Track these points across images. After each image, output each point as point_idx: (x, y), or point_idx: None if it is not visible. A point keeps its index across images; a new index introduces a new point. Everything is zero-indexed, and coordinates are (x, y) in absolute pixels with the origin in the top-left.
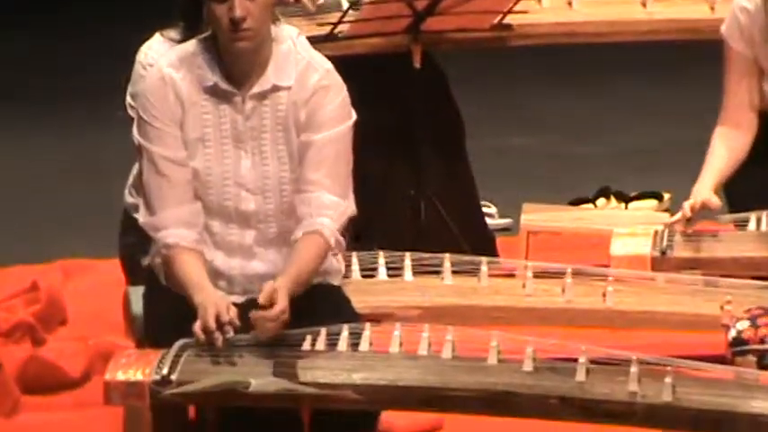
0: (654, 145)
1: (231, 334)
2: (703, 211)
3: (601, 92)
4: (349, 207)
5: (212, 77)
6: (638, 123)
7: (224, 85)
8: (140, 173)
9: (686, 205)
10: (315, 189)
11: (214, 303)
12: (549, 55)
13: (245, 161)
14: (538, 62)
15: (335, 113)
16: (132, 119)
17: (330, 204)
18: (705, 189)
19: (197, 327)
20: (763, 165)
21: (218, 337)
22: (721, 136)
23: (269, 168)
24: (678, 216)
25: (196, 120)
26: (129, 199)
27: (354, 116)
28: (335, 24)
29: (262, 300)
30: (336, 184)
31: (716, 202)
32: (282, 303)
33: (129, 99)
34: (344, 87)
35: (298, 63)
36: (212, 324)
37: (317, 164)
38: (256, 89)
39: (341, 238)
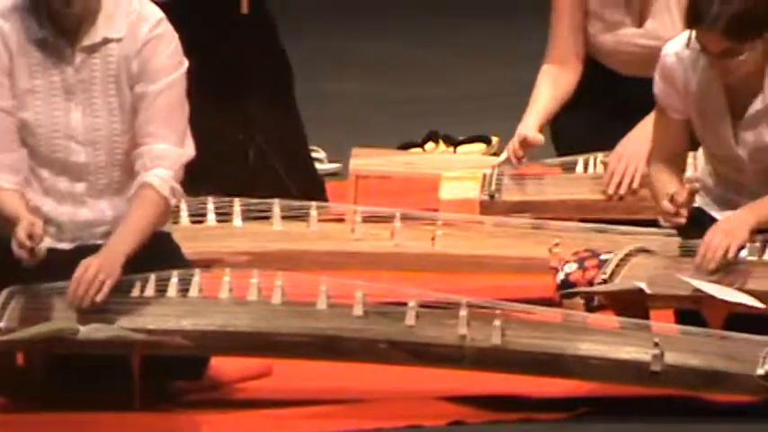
0: (483, 89)
1: (43, 248)
2: (529, 148)
3: (429, 37)
4: (184, 154)
5: (41, 30)
6: (466, 67)
7: (53, 38)
8: None
9: (511, 144)
10: (150, 140)
11: (26, 220)
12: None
13: (74, 113)
14: (368, 7)
15: (167, 63)
16: None
17: (165, 154)
18: (529, 127)
19: (14, 245)
20: (590, 108)
21: (32, 248)
22: (547, 75)
23: (99, 120)
24: (504, 156)
25: (25, 71)
26: None
27: (186, 63)
28: None
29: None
30: (172, 133)
31: (539, 137)
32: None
33: None
34: (176, 36)
35: (129, 15)
36: (24, 238)
37: (152, 115)
38: (86, 42)
39: (177, 186)
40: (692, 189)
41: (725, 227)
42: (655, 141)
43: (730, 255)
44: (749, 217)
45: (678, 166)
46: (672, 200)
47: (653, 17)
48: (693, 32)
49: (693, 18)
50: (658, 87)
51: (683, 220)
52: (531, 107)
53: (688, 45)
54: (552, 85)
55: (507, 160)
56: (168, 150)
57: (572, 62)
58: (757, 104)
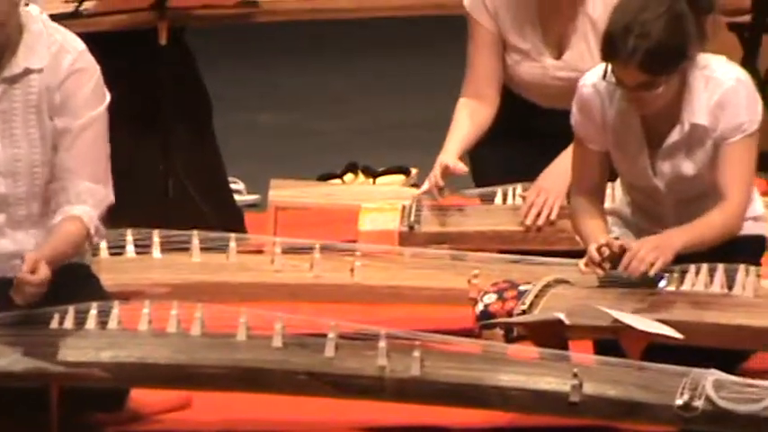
0: (401, 120)
1: None
2: (450, 177)
3: (347, 68)
4: (107, 197)
5: None
6: (384, 99)
7: None
8: None
9: (432, 174)
10: (72, 177)
11: None
12: (298, 30)
13: None
14: (285, 38)
15: (90, 98)
16: None
17: (90, 192)
18: (450, 156)
19: None
20: (508, 140)
21: None
22: (464, 107)
23: (20, 151)
24: (425, 187)
25: None
26: None
27: (108, 98)
28: (81, 1)
29: (26, 267)
30: (94, 170)
31: (461, 166)
32: (45, 272)
33: None
34: (98, 69)
35: (50, 46)
36: None
37: (76, 151)
38: (6, 73)
39: (100, 225)
40: (621, 245)
41: (654, 242)
42: (574, 173)
43: (654, 270)
44: (677, 239)
45: (599, 198)
46: (599, 250)
47: (570, 48)
48: (609, 66)
49: (609, 52)
50: (576, 119)
51: (601, 273)
52: (451, 137)
53: (605, 77)
54: (470, 117)
55: (428, 191)
56: (93, 189)
57: (489, 95)
58: (675, 135)
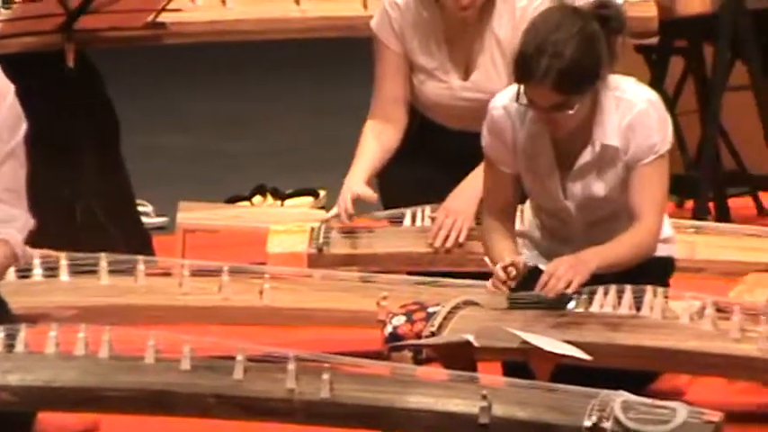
0: (309, 142)
1: None
2: (360, 203)
3: (255, 90)
4: (29, 219)
5: None
6: (293, 121)
7: None
8: None
9: (341, 201)
10: None
11: None
12: (205, 53)
13: None
14: (194, 60)
15: (13, 122)
16: None
17: (15, 217)
18: (357, 182)
19: None
20: (416, 162)
21: None
22: (371, 130)
23: None
24: (334, 212)
25: None
26: None
27: (26, 123)
28: None
29: None
30: (17, 197)
31: (371, 194)
32: None
33: None
34: (12, 88)
35: None
36: None
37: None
38: None
39: (27, 248)
40: (526, 264)
41: (570, 262)
42: (485, 195)
43: (572, 289)
44: (592, 259)
45: (509, 220)
46: (505, 270)
47: (478, 69)
48: (522, 87)
49: (522, 73)
50: (486, 141)
51: (505, 290)
52: (358, 162)
53: (517, 99)
54: (377, 140)
55: (337, 215)
56: (17, 214)
57: (397, 116)
58: (586, 156)
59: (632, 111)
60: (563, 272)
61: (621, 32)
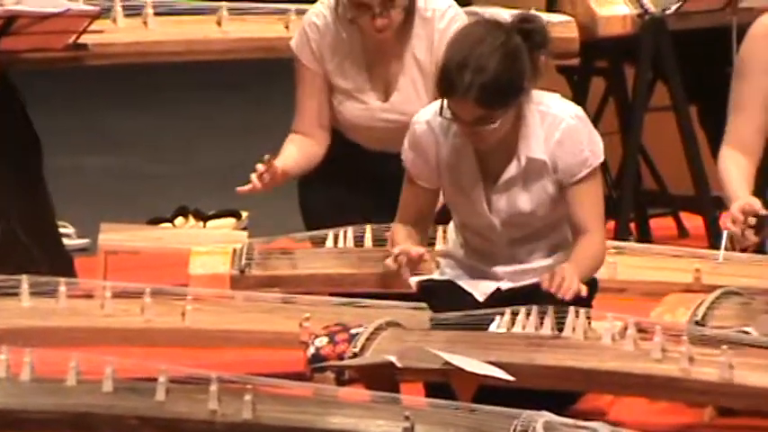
0: (231, 163)
1: None
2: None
3: (177, 111)
4: None
5: None
6: (214, 142)
7: None
8: None
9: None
10: None
11: None
12: (126, 74)
13: None
14: (115, 81)
15: None
16: None
17: None
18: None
19: None
20: (338, 183)
21: None
22: (292, 141)
23: None
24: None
25: None
26: None
27: None
28: None
29: None
30: None
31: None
32: None
33: None
34: None
35: None
36: None
37: None
38: None
39: None
40: (421, 256)
41: (567, 269)
42: (401, 206)
43: (584, 292)
44: (575, 271)
45: (420, 231)
46: (396, 259)
47: (398, 91)
48: (445, 102)
49: (446, 88)
50: (407, 156)
51: (407, 277)
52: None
53: (441, 113)
54: (299, 148)
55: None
56: None
57: (318, 134)
58: (511, 170)
59: (560, 126)
60: (569, 275)
61: (545, 47)
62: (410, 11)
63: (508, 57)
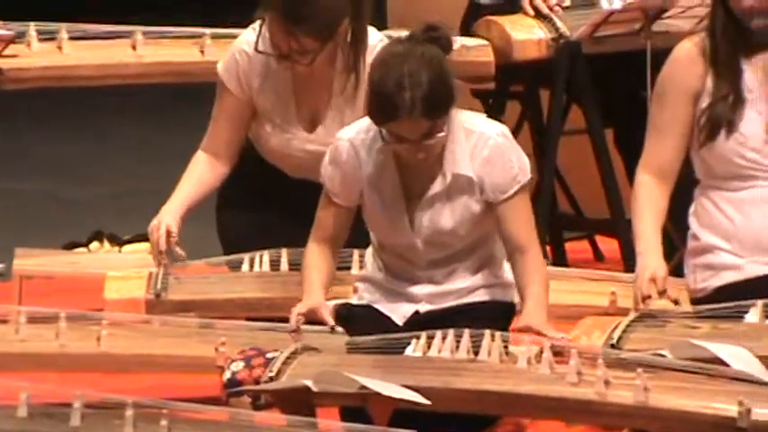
0: (146, 187)
1: None
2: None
3: (94, 135)
4: None
5: None
6: (129, 166)
7: None
8: None
9: (154, 231)
10: None
11: None
12: (42, 98)
13: None
14: (31, 106)
15: None
16: None
17: None
18: (172, 218)
19: None
20: (256, 208)
21: None
22: (198, 162)
23: None
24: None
25: None
26: None
27: None
28: None
29: None
30: None
31: (181, 252)
32: None
33: None
34: None
35: None
36: None
37: None
38: None
39: None
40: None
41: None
42: (317, 224)
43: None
44: (541, 315)
45: (332, 250)
46: (297, 318)
47: (324, 123)
48: (383, 127)
49: (388, 112)
50: (327, 172)
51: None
52: (177, 193)
53: (383, 140)
54: (201, 174)
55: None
56: None
57: (226, 155)
58: (436, 187)
59: (487, 143)
60: (542, 329)
61: (449, 52)
62: (357, 48)
63: (434, 66)
